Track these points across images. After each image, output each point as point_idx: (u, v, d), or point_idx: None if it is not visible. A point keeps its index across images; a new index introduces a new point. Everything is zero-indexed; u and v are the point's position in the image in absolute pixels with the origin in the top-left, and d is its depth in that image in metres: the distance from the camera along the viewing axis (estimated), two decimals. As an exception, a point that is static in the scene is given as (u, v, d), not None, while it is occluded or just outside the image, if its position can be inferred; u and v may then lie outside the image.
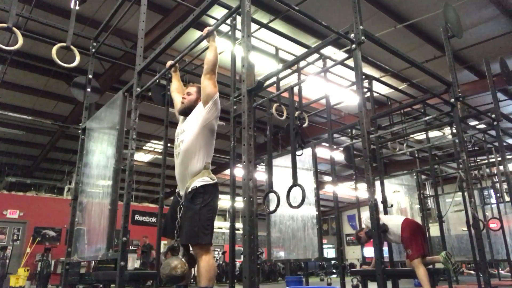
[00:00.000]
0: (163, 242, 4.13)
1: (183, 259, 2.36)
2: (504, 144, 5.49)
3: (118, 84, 8.17)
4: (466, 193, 5.29)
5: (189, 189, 2.51)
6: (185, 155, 2.62)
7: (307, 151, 5.27)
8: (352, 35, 2.97)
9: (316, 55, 4.71)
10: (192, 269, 2.71)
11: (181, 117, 2.92)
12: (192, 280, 11.05)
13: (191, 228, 2.38)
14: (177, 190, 2.70)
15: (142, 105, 8.23)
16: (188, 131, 2.68)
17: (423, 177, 8.29)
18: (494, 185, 7.30)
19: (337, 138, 10.49)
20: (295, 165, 3.35)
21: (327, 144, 5.63)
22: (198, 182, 2.52)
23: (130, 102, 3.21)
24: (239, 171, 2.55)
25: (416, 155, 9.03)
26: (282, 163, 5.30)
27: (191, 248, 2.51)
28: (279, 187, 3.32)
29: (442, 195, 8.21)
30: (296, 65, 4.39)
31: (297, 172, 3.33)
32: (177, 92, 3.12)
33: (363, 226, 5.05)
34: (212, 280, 2.42)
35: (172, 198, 2.82)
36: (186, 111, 2.84)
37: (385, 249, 4.72)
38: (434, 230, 7.23)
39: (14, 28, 3.51)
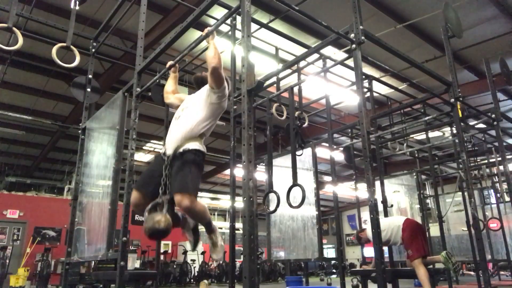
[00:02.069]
0: (163, 242, 4.13)
1: (167, 215, 2.36)
2: (504, 144, 5.48)
3: (118, 84, 8.17)
4: (466, 193, 5.30)
5: (181, 149, 2.51)
6: (187, 119, 2.63)
7: (307, 151, 5.27)
8: (352, 35, 2.97)
9: (316, 55, 4.71)
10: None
11: (186, 97, 2.94)
12: (192, 281, 11.06)
13: (183, 179, 2.39)
14: (162, 151, 2.65)
15: (142, 105, 8.23)
16: (194, 102, 2.72)
17: (423, 177, 8.27)
18: (494, 185, 7.30)
19: (337, 138, 10.49)
20: (295, 165, 3.36)
21: (327, 144, 5.63)
22: (192, 145, 2.53)
23: (130, 102, 3.21)
24: (239, 171, 2.54)
25: (416, 155, 9.02)
26: (282, 163, 5.30)
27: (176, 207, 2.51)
28: (279, 187, 3.33)
29: (442, 195, 8.21)
30: (296, 65, 4.39)
31: (297, 172, 3.33)
32: (173, 94, 3.11)
33: (363, 226, 5.06)
34: (208, 214, 2.54)
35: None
36: (199, 81, 2.89)
37: (385, 249, 4.73)
38: (434, 230, 7.22)
39: (14, 28, 3.51)
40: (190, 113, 2.66)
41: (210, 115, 2.67)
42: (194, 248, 2.71)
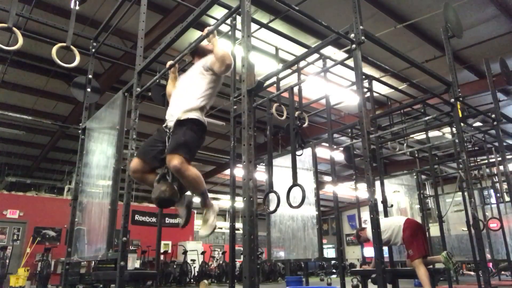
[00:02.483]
0: (163, 242, 4.13)
1: (173, 184, 2.41)
2: (504, 144, 5.48)
3: (118, 84, 8.17)
4: (466, 193, 5.30)
5: (182, 118, 2.51)
6: (184, 91, 2.65)
7: (307, 151, 5.27)
8: (352, 35, 2.97)
9: (316, 55, 4.71)
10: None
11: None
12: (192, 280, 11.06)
13: (176, 141, 2.41)
14: (164, 125, 2.65)
15: (142, 105, 8.22)
16: (195, 74, 2.71)
17: (423, 177, 8.27)
18: (494, 185, 7.30)
19: (337, 138, 10.50)
20: (295, 165, 3.36)
21: (327, 144, 5.63)
22: (192, 115, 2.53)
23: (130, 102, 3.21)
24: (239, 171, 2.54)
25: (416, 155, 9.03)
26: (282, 163, 5.30)
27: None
28: (279, 187, 3.32)
29: (442, 195, 8.21)
30: (296, 65, 4.39)
31: (297, 172, 3.33)
32: None
33: (363, 225, 5.06)
34: (203, 183, 2.52)
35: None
36: (197, 52, 2.87)
37: (385, 249, 4.73)
38: (434, 230, 7.22)
39: (14, 28, 3.51)
40: (189, 86, 2.67)
41: (209, 87, 2.67)
42: (184, 224, 2.66)
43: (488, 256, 7.19)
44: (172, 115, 2.60)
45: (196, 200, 2.67)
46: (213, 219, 2.61)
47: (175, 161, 2.30)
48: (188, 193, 2.67)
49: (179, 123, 2.51)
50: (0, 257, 9.19)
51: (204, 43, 2.81)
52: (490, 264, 9.15)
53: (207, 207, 2.60)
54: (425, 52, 7.56)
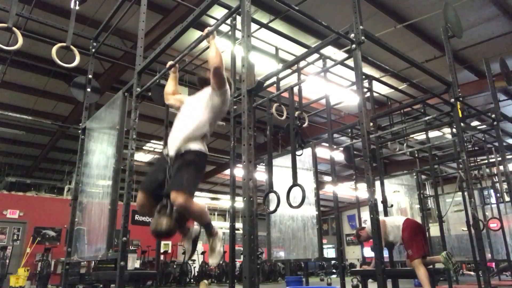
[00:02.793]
0: (163, 242, 4.13)
1: (171, 216, 2.40)
2: (504, 144, 5.48)
3: (118, 84, 8.17)
4: (466, 193, 5.30)
5: (183, 150, 2.51)
6: (189, 120, 2.63)
7: (307, 151, 5.27)
8: (352, 35, 2.97)
9: (316, 55, 4.72)
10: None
11: (186, 99, 2.93)
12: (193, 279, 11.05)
13: (178, 177, 2.41)
14: (165, 152, 2.65)
15: (142, 105, 8.23)
16: (198, 103, 2.71)
17: (423, 177, 8.27)
18: (494, 185, 7.30)
19: (337, 138, 10.49)
20: (295, 165, 3.36)
21: (327, 144, 5.63)
22: (194, 146, 2.53)
23: (130, 102, 3.21)
24: (239, 171, 2.54)
25: (416, 155, 9.03)
26: (282, 163, 5.30)
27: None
28: (279, 187, 3.33)
29: (442, 195, 8.20)
30: (296, 65, 4.39)
31: (297, 172, 3.33)
32: (173, 95, 3.07)
33: (363, 225, 5.06)
34: (207, 215, 2.55)
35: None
36: (202, 82, 2.86)
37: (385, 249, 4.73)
38: (434, 230, 7.23)
39: (14, 28, 3.51)
40: (191, 114, 2.66)
41: (211, 116, 2.66)
42: (188, 258, 2.72)
43: (489, 256, 7.19)
44: (174, 144, 2.58)
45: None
46: (220, 246, 2.64)
47: (180, 199, 2.30)
48: (195, 225, 2.69)
49: (181, 155, 2.50)
50: (0, 257, 9.19)
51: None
52: (493, 264, 9.16)
53: (213, 236, 2.62)
54: (425, 52, 7.56)
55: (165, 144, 2.76)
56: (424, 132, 7.36)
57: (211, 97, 2.66)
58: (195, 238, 2.69)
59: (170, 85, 3.09)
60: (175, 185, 2.38)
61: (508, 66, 5.58)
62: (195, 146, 2.53)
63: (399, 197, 7.20)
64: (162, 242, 9.96)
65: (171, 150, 2.56)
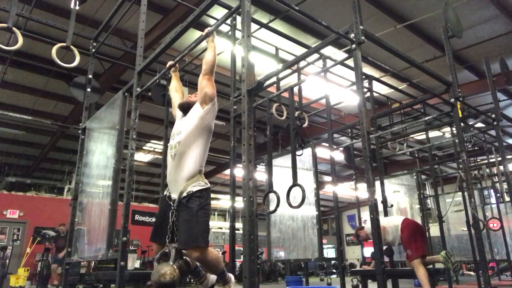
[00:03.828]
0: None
1: (174, 266, 2.30)
2: (504, 144, 5.48)
3: (118, 84, 8.17)
4: (466, 193, 5.29)
5: (185, 193, 2.45)
6: (182, 157, 2.56)
7: (307, 151, 5.27)
8: (352, 35, 2.97)
9: (316, 55, 4.71)
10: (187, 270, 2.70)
11: (178, 115, 2.85)
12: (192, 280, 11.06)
13: (190, 231, 2.33)
14: (166, 193, 2.63)
15: (142, 105, 8.23)
16: (186, 133, 2.61)
17: (423, 177, 8.27)
18: (494, 185, 7.30)
19: (337, 138, 10.49)
20: (295, 165, 3.36)
21: (327, 144, 5.63)
22: (193, 187, 2.47)
23: (130, 102, 3.21)
24: (239, 171, 2.53)
25: (416, 155, 9.03)
26: (282, 163, 5.30)
27: (185, 252, 2.47)
28: (279, 187, 3.33)
29: (442, 195, 8.20)
30: (296, 65, 4.39)
31: (297, 172, 3.33)
32: (176, 92, 3.09)
33: (363, 225, 5.06)
34: (222, 263, 2.54)
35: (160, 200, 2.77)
36: (185, 107, 2.76)
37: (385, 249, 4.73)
38: (434, 230, 7.22)
39: (14, 28, 3.51)
40: (184, 152, 2.56)
41: (203, 144, 2.60)
42: None
43: (488, 256, 7.19)
44: (174, 185, 2.55)
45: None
46: None
47: (197, 254, 2.29)
48: (211, 275, 2.69)
49: (185, 200, 2.44)
50: (0, 257, 9.19)
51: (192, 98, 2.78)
52: (495, 264, 9.15)
53: (227, 283, 2.61)
54: (425, 52, 7.55)
55: (165, 185, 2.71)
56: (424, 132, 7.36)
57: (200, 117, 2.59)
58: (211, 287, 2.68)
59: (174, 82, 3.14)
60: (189, 241, 2.32)
61: (508, 66, 5.58)
62: (196, 185, 2.49)
63: (399, 197, 7.20)
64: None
65: (173, 193, 2.54)
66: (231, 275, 2.63)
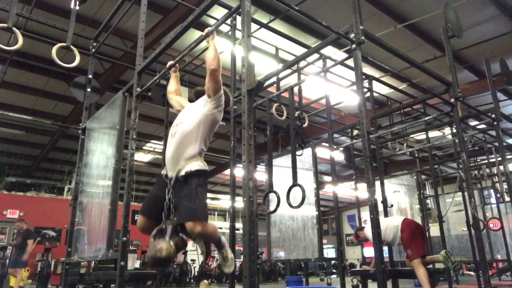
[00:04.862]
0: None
1: (170, 242, 2.33)
2: (504, 144, 5.48)
3: (118, 84, 8.17)
4: (466, 193, 5.29)
5: (183, 172, 2.46)
6: (183, 136, 2.57)
7: (307, 151, 5.27)
8: (352, 35, 2.98)
9: (316, 55, 4.72)
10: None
11: (184, 105, 2.89)
12: (192, 281, 11.07)
13: (190, 206, 2.35)
14: (163, 172, 2.62)
15: (142, 105, 8.21)
16: (191, 115, 2.65)
17: (423, 177, 8.28)
18: (494, 185, 7.30)
19: (337, 138, 10.49)
20: (295, 165, 3.36)
21: (327, 144, 5.63)
22: (193, 166, 2.49)
23: (130, 102, 3.21)
24: (239, 171, 2.54)
25: (416, 155, 9.03)
26: (282, 163, 5.30)
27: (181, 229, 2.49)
28: (279, 187, 3.33)
29: (442, 195, 8.21)
30: (296, 65, 4.39)
31: (297, 172, 3.33)
32: (176, 95, 3.06)
33: (363, 225, 5.06)
34: (218, 231, 2.56)
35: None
36: (199, 94, 2.81)
37: (385, 249, 4.73)
38: (434, 230, 7.23)
39: (14, 28, 3.51)
40: (186, 131, 2.58)
41: (206, 129, 2.61)
42: (205, 259, 2.72)
43: (488, 256, 7.19)
44: (172, 164, 2.55)
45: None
46: (230, 253, 2.66)
47: (198, 228, 2.30)
48: None
49: (183, 178, 2.46)
50: (0, 257, 9.18)
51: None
52: (500, 264, 9.15)
53: (223, 247, 2.63)
54: (425, 52, 7.55)
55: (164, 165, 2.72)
56: (424, 132, 7.36)
57: (204, 106, 2.62)
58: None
59: (172, 84, 3.09)
60: (189, 215, 2.34)
61: (508, 66, 5.58)
62: (195, 165, 2.49)
63: (399, 197, 7.20)
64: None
65: (170, 171, 2.54)
66: (224, 239, 2.67)
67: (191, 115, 2.65)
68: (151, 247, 2.33)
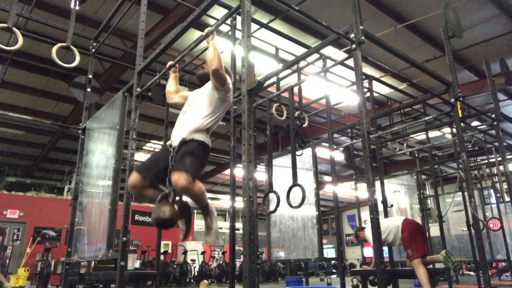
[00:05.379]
0: (163, 242, 4.13)
1: (174, 205, 2.42)
2: (504, 144, 5.48)
3: (118, 84, 8.17)
4: (466, 193, 5.29)
5: (187, 139, 2.52)
6: (194, 112, 2.65)
7: (307, 151, 5.27)
8: (352, 35, 2.98)
9: (316, 55, 4.71)
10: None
11: (191, 93, 2.94)
12: (192, 280, 11.07)
13: (182, 160, 2.42)
14: (168, 143, 2.66)
15: (142, 105, 8.22)
16: (203, 96, 2.72)
17: (423, 177, 8.27)
18: (494, 185, 7.30)
19: (337, 138, 10.49)
20: (295, 165, 3.36)
21: (327, 144, 5.63)
22: (197, 136, 2.55)
23: (130, 102, 3.21)
24: (239, 171, 2.54)
25: (416, 155, 9.03)
26: (282, 163, 5.30)
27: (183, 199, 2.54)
28: (279, 187, 3.33)
29: (442, 195, 8.20)
30: (296, 65, 4.39)
31: (297, 172, 3.33)
32: (175, 94, 3.06)
33: (363, 225, 5.06)
34: (206, 196, 2.55)
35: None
36: (203, 78, 2.86)
37: (385, 249, 4.73)
38: (434, 230, 7.22)
39: (14, 28, 3.51)
40: (196, 108, 2.68)
41: (216, 109, 2.68)
42: (184, 238, 2.72)
43: (489, 255, 7.19)
44: (178, 135, 2.60)
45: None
46: (216, 224, 2.65)
47: (182, 180, 2.31)
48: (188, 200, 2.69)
49: (184, 143, 2.52)
50: (0, 257, 9.18)
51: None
52: (501, 264, 9.15)
53: (209, 215, 2.64)
54: (425, 52, 7.56)
55: (168, 139, 2.77)
56: (424, 132, 7.36)
57: (214, 92, 2.68)
58: (188, 218, 2.68)
59: (171, 85, 3.09)
60: (177, 167, 2.39)
61: (508, 66, 5.57)
62: (199, 136, 2.55)
63: (399, 197, 7.20)
64: (162, 242, 9.98)
65: (175, 141, 2.59)
66: (213, 210, 2.69)
67: (202, 97, 2.72)
68: (155, 210, 2.41)
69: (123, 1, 4.01)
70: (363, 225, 5.28)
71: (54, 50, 3.75)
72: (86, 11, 6.56)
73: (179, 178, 2.30)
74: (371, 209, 2.58)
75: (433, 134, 9.82)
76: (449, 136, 9.81)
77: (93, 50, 4.50)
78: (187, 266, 10.96)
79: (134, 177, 2.58)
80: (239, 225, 7.16)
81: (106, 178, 3.42)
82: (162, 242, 10.09)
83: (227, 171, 13.55)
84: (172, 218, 2.37)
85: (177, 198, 2.46)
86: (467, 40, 7.08)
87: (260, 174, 6.50)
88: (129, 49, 5.49)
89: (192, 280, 11.12)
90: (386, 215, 5.25)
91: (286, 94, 3.91)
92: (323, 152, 9.57)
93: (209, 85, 2.74)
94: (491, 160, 7.07)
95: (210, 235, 2.64)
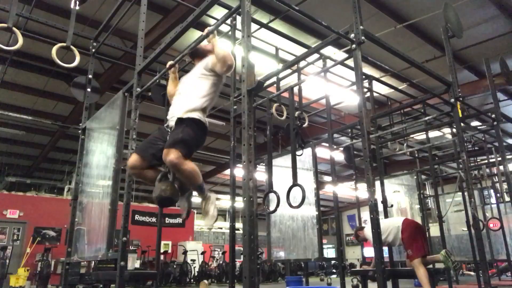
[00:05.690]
0: (163, 242, 4.13)
1: (174, 184, 2.46)
2: (504, 144, 5.48)
3: (118, 84, 8.17)
4: (466, 193, 5.30)
5: (183, 117, 2.52)
6: (189, 92, 2.65)
7: (307, 151, 5.27)
8: (352, 35, 2.97)
9: (316, 55, 4.72)
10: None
11: (183, 78, 2.95)
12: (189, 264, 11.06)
13: (173, 137, 2.42)
14: (165, 124, 2.67)
15: (142, 105, 8.22)
16: (195, 76, 2.72)
17: (423, 177, 8.27)
18: (494, 185, 7.30)
19: (337, 138, 10.49)
20: (295, 165, 3.36)
21: (327, 144, 5.63)
22: (192, 115, 2.54)
23: (130, 102, 3.21)
24: (239, 171, 2.53)
25: (416, 155, 9.03)
26: (282, 163, 5.30)
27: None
28: (279, 187, 3.33)
29: (442, 195, 8.21)
30: (296, 65, 4.39)
31: (297, 172, 3.33)
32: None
33: (363, 225, 5.06)
34: (200, 176, 2.51)
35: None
36: (195, 53, 2.87)
37: (385, 249, 4.73)
38: (434, 230, 7.22)
39: (14, 28, 3.51)
40: (191, 87, 2.68)
41: (211, 87, 2.67)
42: (186, 216, 2.70)
43: (489, 255, 7.19)
44: (174, 115, 2.61)
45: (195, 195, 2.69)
46: (213, 209, 2.62)
47: (171, 155, 2.30)
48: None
49: (180, 121, 2.52)
50: (0, 257, 9.18)
51: (204, 43, 2.80)
52: (503, 264, 9.15)
53: (206, 199, 2.61)
54: (425, 52, 7.55)
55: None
56: (424, 132, 7.36)
57: (213, 73, 2.67)
58: (188, 196, 2.69)
59: (172, 86, 3.08)
60: (168, 143, 2.39)
61: (508, 66, 5.57)
62: (195, 115, 2.55)
63: (399, 197, 7.20)
64: (162, 242, 9.98)
65: (171, 121, 2.59)
66: (211, 193, 2.68)
67: (196, 75, 2.72)
68: (156, 188, 2.44)
69: (123, 1, 4.01)
70: (363, 225, 5.28)
71: (54, 50, 3.75)
72: (86, 11, 6.55)
73: (167, 153, 2.31)
74: (371, 209, 2.58)
75: (433, 134, 9.81)
76: (449, 136, 9.81)
77: (93, 50, 4.50)
78: (187, 266, 10.97)
79: (133, 158, 2.59)
80: (239, 225, 7.15)
81: (106, 178, 3.42)
82: (162, 242, 10.12)
83: (227, 171, 13.55)
84: (172, 196, 2.43)
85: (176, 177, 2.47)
86: (467, 40, 7.08)
87: (260, 174, 6.49)
88: (129, 49, 5.49)
89: (192, 280, 11.12)
90: (386, 215, 5.25)
91: (286, 94, 3.91)
92: (323, 152, 9.56)
93: (203, 66, 2.73)
94: (491, 160, 7.07)
95: (207, 220, 2.62)
